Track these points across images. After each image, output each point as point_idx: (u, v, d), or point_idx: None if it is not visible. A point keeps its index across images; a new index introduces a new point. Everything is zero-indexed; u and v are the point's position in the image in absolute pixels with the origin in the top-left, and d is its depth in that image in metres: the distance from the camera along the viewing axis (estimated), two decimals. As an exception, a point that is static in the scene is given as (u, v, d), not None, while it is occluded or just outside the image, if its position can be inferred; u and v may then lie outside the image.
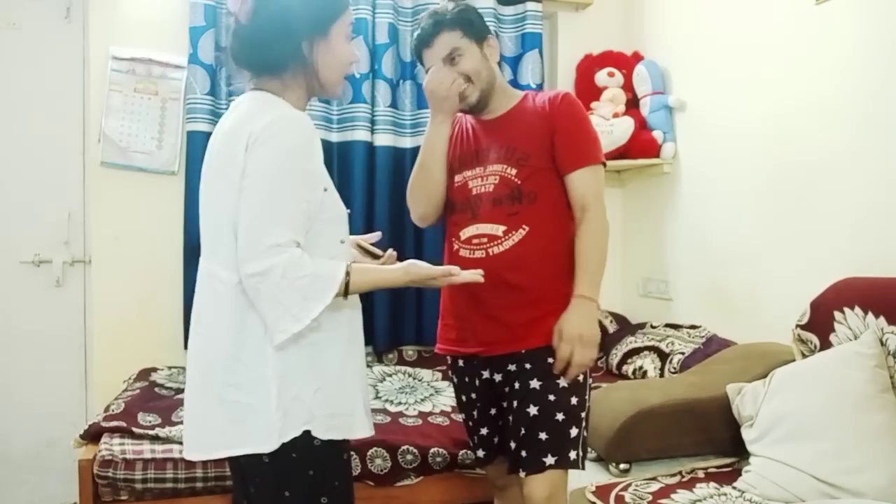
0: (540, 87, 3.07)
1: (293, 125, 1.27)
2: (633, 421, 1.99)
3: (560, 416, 1.64)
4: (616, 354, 2.83)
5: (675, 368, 2.51)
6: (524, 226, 1.68)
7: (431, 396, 2.62)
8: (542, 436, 1.63)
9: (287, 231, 1.23)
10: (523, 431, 1.65)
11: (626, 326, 3.07)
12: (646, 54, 3.12)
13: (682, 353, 2.54)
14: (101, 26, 2.83)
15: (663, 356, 2.61)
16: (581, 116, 1.74)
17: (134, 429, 2.10)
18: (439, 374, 2.79)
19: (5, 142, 2.88)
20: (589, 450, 2.03)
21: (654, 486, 1.83)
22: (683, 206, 2.95)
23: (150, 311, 2.82)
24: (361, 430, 1.37)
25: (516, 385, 1.68)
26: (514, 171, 1.70)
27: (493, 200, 1.70)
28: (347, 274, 1.27)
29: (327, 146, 2.90)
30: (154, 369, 2.69)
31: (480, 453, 1.84)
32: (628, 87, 3.08)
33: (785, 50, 2.40)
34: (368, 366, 2.88)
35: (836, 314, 1.95)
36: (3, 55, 2.87)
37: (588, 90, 3.09)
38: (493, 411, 1.80)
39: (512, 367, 1.69)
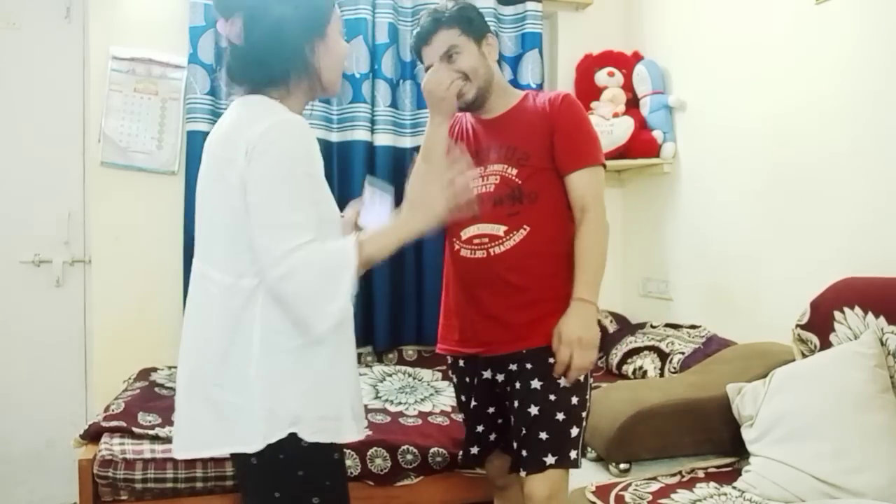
0: (540, 87, 3.07)
1: (291, 131, 1.27)
2: (633, 421, 1.99)
3: (560, 416, 1.64)
4: (616, 354, 2.83)
5: (675, 368, 2.51)
6: (525, 226, 1.68)
7: (431, 396, 2.62)
8: (543, 435, 1.63)
9: (302, 233, 1.23)
10: (524, 431, 1.65)
11: (626, 326, 3.07)
12: (646, 54, 3.12)
13: (682, 353, 2.54)
14: (101, 26, 2.83)
15: (663, 356, 2.61)
16: (581, 117, 1.74)
17: (134, 429, 2.10)
18: (439, 374, 2.79)
19: (5, 142, 2.88)
20: (589, 450, 2.04)
21: (654, 486, 1.83)
22: (683, 206, 2.95)
23: (150, 311, 2.82)
24: (350, 433, 1.35)
25: (517, 385, 1.68)
26: (514, 172, 1.70)
27: (494, 200, 1.70)
28: (357, 248, 1.26)
29: (327, 146, 2.90)
30: (154, 369, 2.69)
31: (474, 450, 1.84)
32: (628, 87, 3.08)
33: (785, 50, 2.40)
34: (368, 366, 2.88)
35: (836, 314, 1.95)
36: (3, 55, 2.87)
37: (588, 90, 3.09)
38: (490, 410, 1.81)
39: (513, 367, 1.69)
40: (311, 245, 1.23)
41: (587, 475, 1.87)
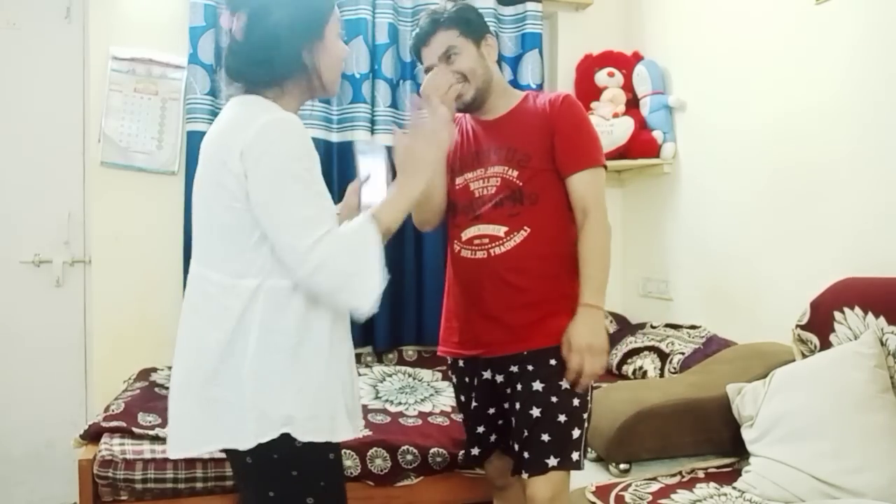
0: (540, 87, 3.07)
1: (286, 129, 1.27)
2: (633, 421, 1.99)
3: (562, 418, 1.64)
4: (616, 354, 2.83)
5: (675, 368, 2.51)
6: (526, 227, 1.68)
7: (431, 396, 2.62)
8: (545, 437, 1.63)
9: (320, 225, 1.25)
10: (526, 433, 1.65)
11: (626, 326, 3.07)
12: (646, 54, 3.12)
13: (682, 353, 2.54)
14: (101, 26, 2.83)
15: (663, 356, 2.61)
16: (581, 118, 1.74)
17: (134, 429, 2.10)
18: (439, 374, 2.79)
19: (5, 142, 2.88)
20: (589, 450, 2.04)
21: (654, 486, 1.83)
22: (683, 206, 2.95)
23: (150, 311, 2.82)
24: (344, 432, 1.35)
25: (518, 387, 1.68)
26: (515, 173, 1.70)
27: (495, 202, 1.70)
28: (374, 222, 1.29)
29: (327, 146, 2.90)
30: (154, 369, 2.69)
31: (475, 451, 1.84)
32: (628, 87, 3.08)
33: (785, 50, 2.40)
34: (368, 366, 2.88)
35: (836, 314, 1.95)
36: (3, 55, 2.87)
37: (588, 90, 3.09)
38: (491, 411, 1.81)
39: (514, 369, 1.69)
40: (331, 234, 1.25)
41: (587, 475, 1.87)
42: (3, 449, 2.87)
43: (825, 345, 1.97)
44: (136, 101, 2.84)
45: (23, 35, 2.89)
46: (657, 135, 2.95)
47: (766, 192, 2.48)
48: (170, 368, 2.79)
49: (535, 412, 1.64)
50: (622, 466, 2.01)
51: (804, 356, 2.03)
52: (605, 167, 1.75)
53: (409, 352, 3.02)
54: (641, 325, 2.95)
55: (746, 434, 1.94)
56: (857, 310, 1.90)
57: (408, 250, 2.92)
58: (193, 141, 2.78)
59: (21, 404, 2.88)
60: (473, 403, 1.82)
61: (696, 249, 2.86)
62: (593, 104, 3.05)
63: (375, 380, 2.75)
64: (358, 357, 2.82)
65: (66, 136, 2.92)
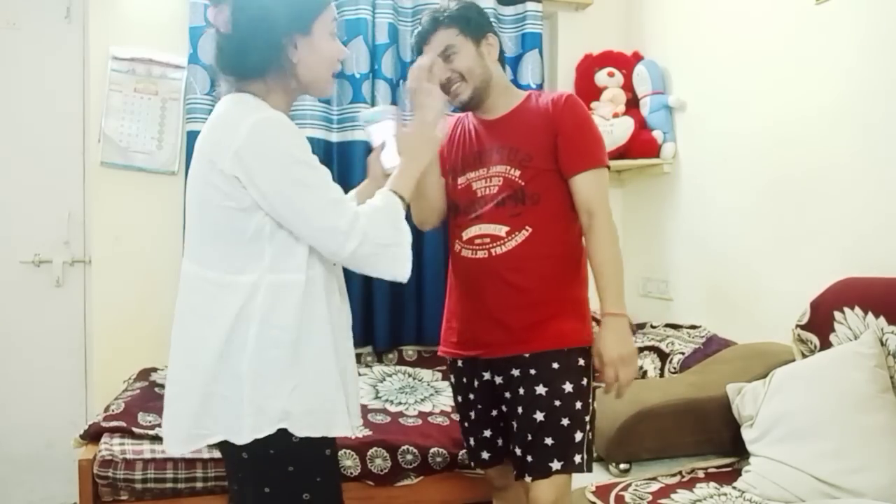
0: (540, 87, 3.07)
1: (275, 126, 1.27)
2: (633, 421, 1.99)
3: (566, 422, 1.64)
4: (616, 354, 2.82)
5: (675, 368, 2.51)
6: (527, 227, 1.67)
7: (431, 396, 2.62)
8: (548, 441, 1.63)
9: (346, 203, 1.30)
10: (529, 437, 1.64)
11: (626, 326, 3.07)
12: (646, 54, 3.12)
13: (682, 353, 2.54)
14: (101, 26, 2.83)
15: (663, 356, 2.61)
16: (585, 118, 1.73)
17: (134, 429, 2.10)
18: (439, 374, 2.79)
19: (5, 141, 2.88)
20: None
21: (654, 486, 1.83)
22: (683, 206, 2.95)
23: (150, 311, 2.82)
24: (342, 428, 1.35)
25: (520, 391, 1.67)
26: (517, 173, 1.69)
27: (497, 201, 1.69)
28: (394, 192, 1.37)
29: (327, 146, 2.90)
30: (154, 369, 2.69)
31: (485, 455, 1.83)
32: (628, 87, 3.08)
33: (785, 50, 2.40)
34: (368, 366, 2.88)
35: (836, 314, 1.95)
36: (3, 55, 2.87)
37: (588, 90, 3.09)
38: (494, 413, 1.80)
39: (515, 373, 1.68)
40: (362, 208, 1.30)
41: (587, 475, 1.87)
42: (3, 449, 2.87)
43: (825, 345, 1.97)
44: (136, 101, 2.84)
45: (23, 35, 2.89)
46: (657, 135, 2.95)
47: (766, 193, 2.48)
48: (169, 368, 2.79)
49: (539, 416, 1.64)
50: (622, 466, 2.01)
51: (804, 356, 2.03)
52: (609, 167, 1.74)
53: (409, 352, 3.02)
54: (641, 325, 2.95)
55: (746, 434, 1.94)
56: (857, 310, 1.90)
57: (408, 250, 2.92)
58: (193, 141, 2.74)
59: (21, 404, 2.88)
60: (477, 406, 1.81)
61: (696, 249, 2.86)
62: (593, 104, 3.04)
63: (375, 380, 2.75)
64: (358, 357, 2.82)
65: (66, 136, 2.92)
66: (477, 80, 1.73)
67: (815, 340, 2.01)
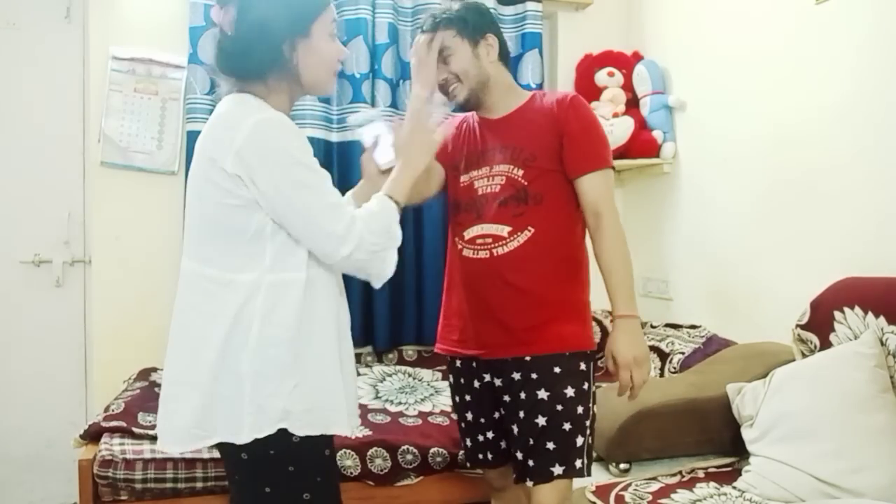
0: (540, 86, 3.07)
1: (276, 127, 1.28)
2: (633, 421, 1.99)
3: (567, 426, 1.63)
4: (616, 354, 2.82)
5: (675, 368, 2.51)
6: (530, 227, 1.67)
7: (431, 396, 2.62)
8: (550, 445, 1.63)
9: (345, 206, 1.32)
10: (531, 441, 1.64)
11: (626, 326, 3.07)
12: (646, 54, 3.12)
13: (682, 353, 2.54)
14: (101, 26, 2.83)
15: (663, 356, 2.61)
16: (591, 119, 1.73)
17: (134, 429, 2.10)
18: (439, 374, 2.79)
19: (5, 142, 2.88)
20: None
21: (654, 486, 1.83)
22: (683, 206, 2.95)
23: (150, 311, 2.82)
24: (340, 426, 1.35)
25: (521, 395, 1.66)
26: (520, 173, 1.69)
27: (499, 201, 1.69)
28: (389, 197, 1.41)
29: (327, 146, 2.90)
30: (154, 369, 2.69)
31: (489, 456, 1.82)
32: (628, 87, 3.08)
33: (785, 49, 2.40)
34: (368, 366, 2.88)
35: (836, 314, 1.95)
36: (3, 55, 2.87)
37: (588, 90, 3.09)
38: (496, 415, 1.79)
39: (516, 376, 1.67)
40: (358, 212, 1.33)
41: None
42: (3, 449, 2.86)
43: (825, 345, 1.97)
44: (136, 101, 2.84)
45: (23, 35, 2.89)
46: (657, 135, 2.95)
47: (766, 192, 2.48)
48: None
49: (541, 420, 1.63)
50: (622, 466, 2.01)
51: (804, 356, 2.03)
52: (614, 168, 1.74)
53: (409, 352, 3.02)
54: (641, 325, 2.95)
55: (746, 434, 1.94)
56: (857, 310, 1.90)
57: (408, 250, 2.92)
58: (193, 141, 2.75)
59: (21, 404, 2.88)
60: (476, 408, 1.81)
61: (696, 249, 2.86)
62: (593, 104, 3.04)
63: (375, 380, 2.75)
64: (358, 357, 2.82)
65: (66, 136, 2.92)
66: (473, 81, 1.72)
67: (815, 340, 2.01)
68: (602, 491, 1.82)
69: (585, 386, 1.67)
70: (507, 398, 1.70)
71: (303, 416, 1.29)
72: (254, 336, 1.27)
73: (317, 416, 1.31)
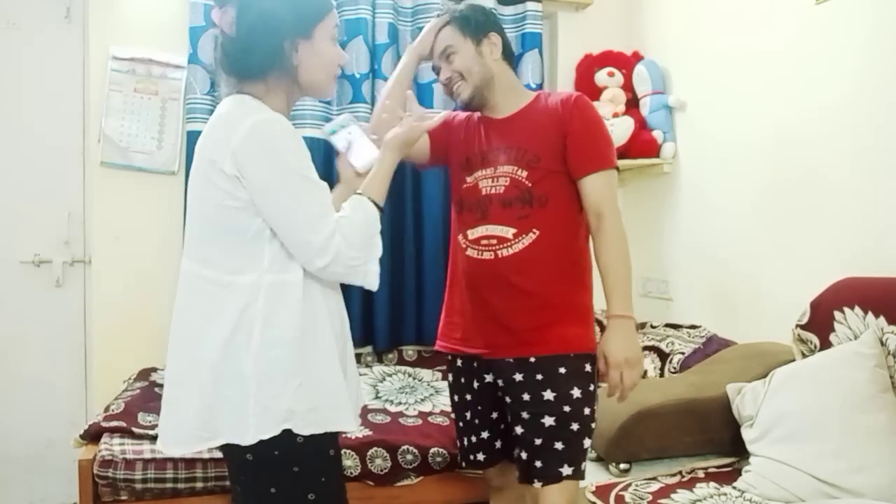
0: (540, 86, 3.07)
1: (274, 129, 1.29)
2: (633, 421, 1.99)
3: (575, 427, 1.63)
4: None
5: (675, 368, 2.51)
6: (534, 230, 1.67)
7: (431, 396, 2.62)
8: (559, 446, 1.62)
9: (329, 216, 1.31)
10: (538, 442, 1.64)
11: (626, 326, 3.07)
12: (646, 54, 3.12)
13: (682, 353, 2.54)
14: (101, 26, 2.83)
15: (663, 356, 2.61)
16: (595, 120, 1.73)
17: (134, 429, 2.10)
18: (439, 374, 2.79)
19: (5, 142, 2.87)
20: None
21: (654, 486, 1.83)
22: (683, 206, 2.95)
23: (150, 311, 2.82)
24: (345, 423, 1.36)
25: (525, 396, 1.66)
26: (524, 174, 1.68)
27: (503, 202, 1.69)
28: (370, 200, 1.40)
29: (327, 146, 2.89)
30: (154, 369, 2.69)
31: (481, 456, 1.82)
32: (628, 87, 3.08)
33: (785, 49, 2.40)
34: (368, 366, 2.88)
35: (836, 314, 1.95)
36: (3, 55, 2.87)
37: (588, 90, 3.08)
38: (494, 415, 1.79)
39: (518, 377, 1.67)
40: (340, 226, 1.31)
41: (587, 475, 1.87)
42: (3, 449, 2.86)
43: (825, 345, 1.97)
44: (136, 101, 2.84)
45: (23, 35, 2.89)
46: (657, 135, 2.95)
47: (766, 192, 2.48)
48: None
49: (548, 421, 1.63)
50: (622, 466, 2.01)
51: (804, 356, 2.03)
52: (618, 168, 1.74)
53: (409, 352, 3.02)
54: (641, 325, 2.95)
55: (746, 434, 1.94)
56: (857, 310, 1.90)
57: (408, 250, 2.92)
58: (193, 141, 2.75)
59: (21, 404, 2.88)
60: (476, 408, 1.81)
61: (696, 249, 2.86)
62: (593, 104, 3.04)
63: (375, 380, 2.75)
64: (358, 357, 2.82)
65: (66, 136, 2.92)
66: (476, 79, 1.73)
67: (815, 340, 2.01)
68: (602, 491, 1.82)
69: (591, 388, 1.68)
70: (509, 399, 1.70)
71: (306, 416, 1.29)
72: (256, 338, 1.27)
73: (320, 414, 1.31)
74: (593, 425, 1.68)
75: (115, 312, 2.82)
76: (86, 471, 1.98)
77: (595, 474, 1.99)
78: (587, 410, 1.65)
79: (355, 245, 1.32)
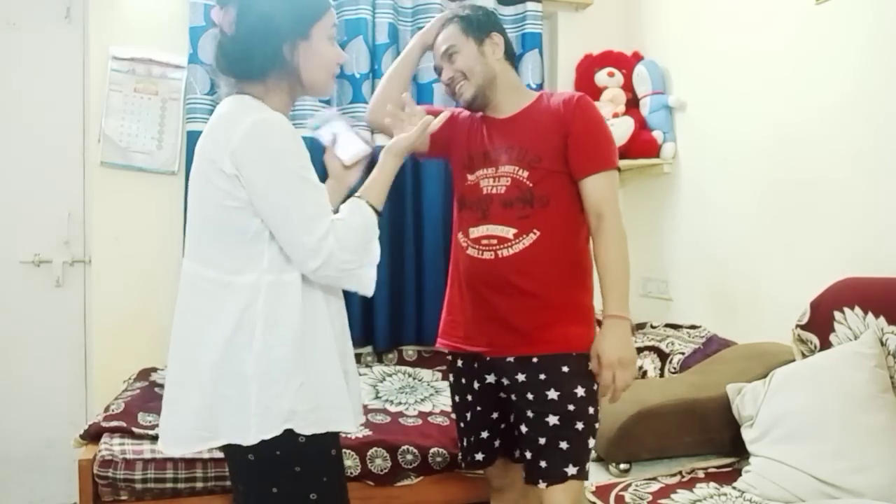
0: (540, 87, 3.07)
1: (273, 128, 1.29)
2: (633, 421, 1.99)
3: (580, 426, 1.63)
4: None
5: (675, 368, 2.51)
6: (535, 230, 1.67)
7: (431, 396, 2.62)
8: (563, 445, 1.62)
9: (324, 218, 1.30)
10: (542, 441, 1.63)
11: (626, 326, 3.07)
12: (646, 54, 3.12)
13: (682, 353, 2.54)
14: (101, 26, 2.83)
15: (663, 356, 2.61)
16: (597, 120, 1.73)
17: (134, 429, 2.10)
18: (439, 374, 2.79)
19: (5, 142, 2.87)
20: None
21: (654, 486, 1.83)
22: (683, 206, 2.95)
23: (150, 311, 2.82)
24: (346, 423, 1.36)
25: (529, 395, 1.66)
26: (526, 174, 1.68)
27: (504, 202, 1.69)
28: (368, 204, 1.39)
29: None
30: (154, 369, 2.69)
31: (480, 456, 1.82)
32: (628, 87, 3.08)
33: (785, 50, 2.40)
34: (368, 366, 2.88)
35: (836, 314, 1.95)
36: (3, 55, 2.87)
37: (588, 90, 3.08)
38: (494, 415, 1.79)
39: (521, 377, 1.67)
40: (335, 228, 1.30)
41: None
42: (3, 449, 2.86)
43: (825, 345, 1.97)
44: (136, 101, 2.84)
45: (23, 35, 2.89)
46: (657, 135, 2.95)
47: (766, 192, 2.48)
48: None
49: (553, 420, 1.63)
50: (622, 466, 2.01)
51: (804, 356, 2.03)
52: (619, 169, 1.74)
53: (409, 352, 3.02)
54: (641, 325, 2.95)
55: (746, 434, 1.94)
56: (857, 310, 1.90)
57: (408, 250, 2.92)
58: (193, 141, 2.74)
59: (21, 404, 2.88)
60: (476, 408, 1.81)
61: (696, 249, 2.86)
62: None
63: (375, 380, 2.75)
64: (358, 357, 2.82)
65: (66, 136, 2.92)
66: (479, 79, 1.73)
67: (815, 340, 2.01)
68: (602, 491, 1.82)
69: (595, 387, 1.67)
70: (513, 398, 1.70)
71: (308, 416, 1.29)
72: (258, 338, 1.27)
73: (321, 414, 1.32)
74: (597, 425, 1.68)
75: (115, 312, 2.82)
76: (86, 471, 1.98)
77: (595, 474, 1.99)
78: (591, 409, 1.65)
79: (349, 248, 1.30)
